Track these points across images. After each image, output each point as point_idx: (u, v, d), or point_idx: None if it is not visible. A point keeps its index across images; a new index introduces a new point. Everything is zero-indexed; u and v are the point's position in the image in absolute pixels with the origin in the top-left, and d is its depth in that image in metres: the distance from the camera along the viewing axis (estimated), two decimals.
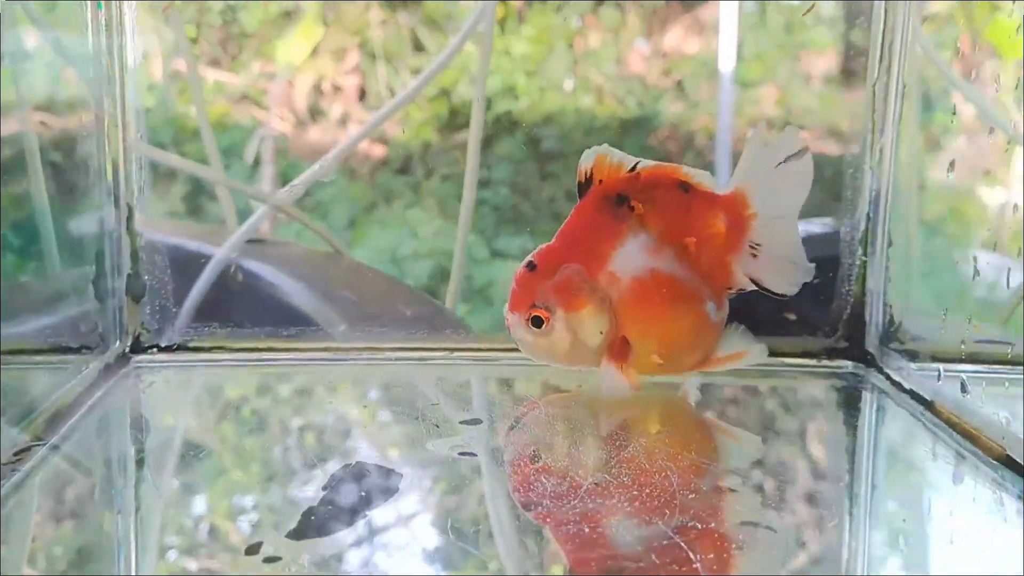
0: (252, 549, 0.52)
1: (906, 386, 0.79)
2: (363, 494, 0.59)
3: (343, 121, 1.24)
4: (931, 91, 0.82)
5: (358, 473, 0.62)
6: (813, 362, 0.87)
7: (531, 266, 0.74)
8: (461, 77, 1.17)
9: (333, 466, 0.63)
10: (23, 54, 0.73)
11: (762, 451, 0.69)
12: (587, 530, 0.54)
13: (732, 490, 0.61)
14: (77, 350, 0.77)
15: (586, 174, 0.73)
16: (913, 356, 0.80)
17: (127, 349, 0.85)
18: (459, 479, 0.62)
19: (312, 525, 0.54)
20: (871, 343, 0.86)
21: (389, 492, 0.59)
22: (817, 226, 0.87)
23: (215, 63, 1.17)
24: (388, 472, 0.62)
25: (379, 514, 0.56)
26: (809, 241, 0.77)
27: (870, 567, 0.54)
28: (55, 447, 0.65)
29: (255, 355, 0.86)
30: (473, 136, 0.92)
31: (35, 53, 0.76)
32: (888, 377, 0.82)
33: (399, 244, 1.17)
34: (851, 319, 0.86)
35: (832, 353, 0.87)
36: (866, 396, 0.81)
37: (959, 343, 0.70)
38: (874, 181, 0.84)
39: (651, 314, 0.74)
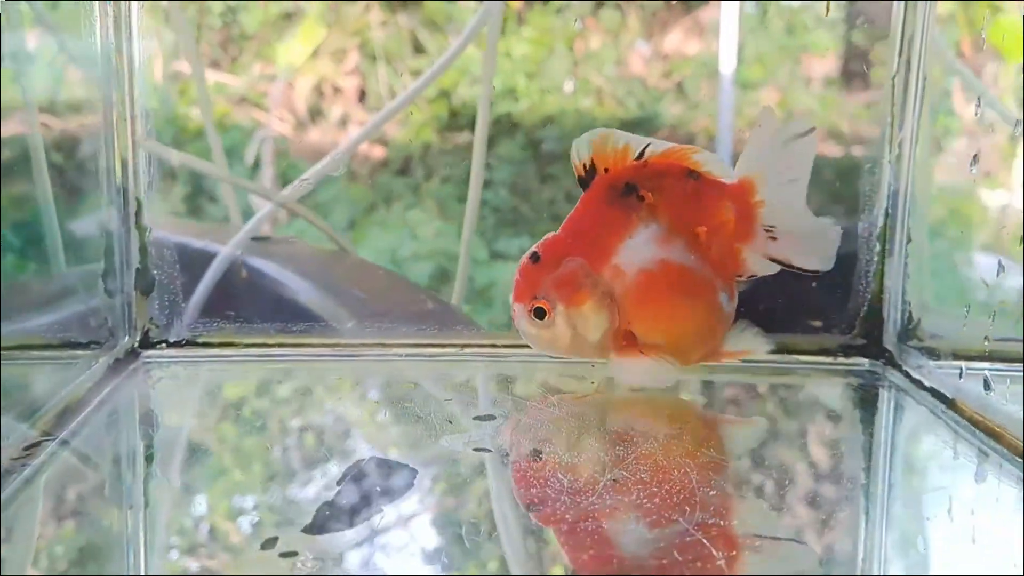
0: (267, 544, 0.52)
1: (926, 384, 0.78)
2: (377, 489, 0.59)
3: (343, 122, 1.25)
4: (950, 85, 0.82)
5: (371, 468, 0.62)
6: (829, 360, 0.86)
7: (535, 257, 0.73)
8: (461, 79, 1.17)
9: (346, 462, 0.63)
10: (29, 53, 0.73)
11: (780, 449, 0.69)
12: (606, 527, 0.54)
13: (751, 489, 0.61)
14: (86, 345, 0.77)
15: (584, 165, 0.72)
16: (933, 354, 0.80)
17: (136, 344, 0.84)
18: (473, 474, 0.62)
19: (327, 520, 0.54)
20: (889, 340, 0.85)
21: (402, 488, 0.59)
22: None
23: (215, 64, 1.17)
24: (401, 467, 0.62)
25: (393, 510, 0.56)
26: None
27: (894, 565, 0.54)
28: (64, 442, 0.65)
29: (264, 351, 0.86)
30: (479, 136, 0.93)
31: (42, 52, 0.76)
32: (907, 375, 0.81)
33: (399, 245, 1.17)
34: (868, 316, 0.86)
35: (849, 351, 0.86)
36: (884, 394, 0.81)
37: (981, 340, 0.70)
38: (892, 177, 0.84)
39: (660, 306, 0.73)
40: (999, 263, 0.70)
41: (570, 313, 0.72)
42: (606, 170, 0.72)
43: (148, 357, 0.84)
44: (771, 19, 1.07)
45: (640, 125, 1.16)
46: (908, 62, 0.83)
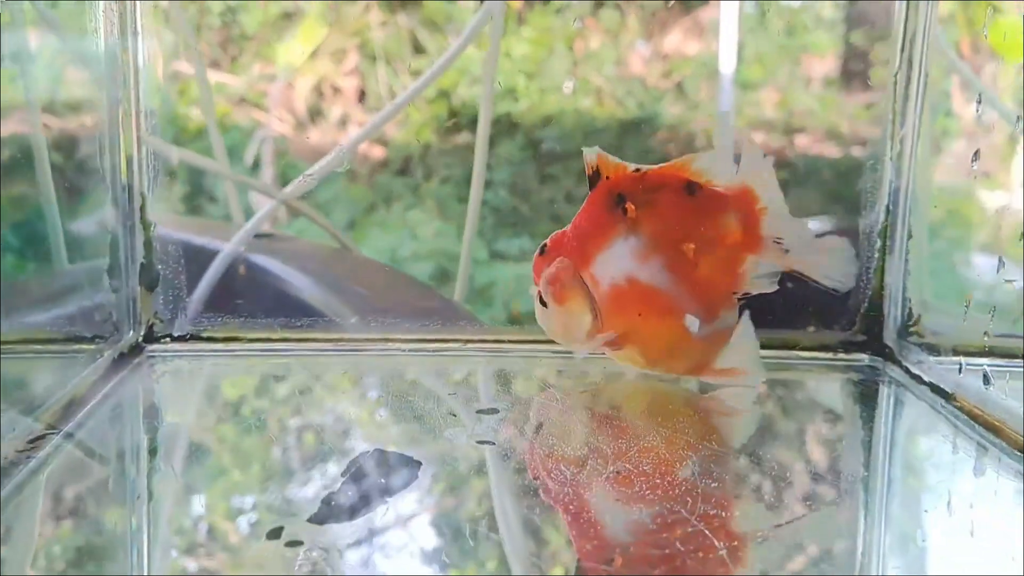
0: (273, 533, 0.52)
1: (926, 379, 0.79)
2: (383, 480, 0.59)
3: (343, 123, 1.25)
4: (951, 82, 0.83)
5: (376, 461, 0.62)
6: (830, 355, 0.87)
7: (543, 249, 0.76)
8: (461, 79, 1.18)
9: (351, 455, 0.63)
10: (32, 52, 0.73)
11: (781, 442, 0.70)
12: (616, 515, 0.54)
13: (754, 481, 0.62)
14: (91, 340, 0.77)
15: (594, 167, 0.74)
16: (933, 350, 0.80)
17: (140, 339, 0.85)
18: (480, 466, 0.63)
19: (332, 511, 0.55)
20: (889, 336, 0.86)
21: (407, 480, 0.59)
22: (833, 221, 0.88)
23: (215, 65, 1.17)
24: (406, 460, 0.62)
25: (398, 502, 0.57)
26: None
27: (896, 559, 0.55)
28: (69, 435, 0.65)
29: (268, 345, 0.86)
30: (480, 135, 0.93)
31: (46, 51, 0.76)
32: (907, 370, 0.82)
33: (399, 245, 1.17)
34: (869, 313, 0.87)
35: (849, 346, 0.87)
36: (884, 389, 0.81)
37: (980, 336, 0.71)
38: (893, 174, 0.85)
39: (625, 320, 0.74)
40: (999, 260, 0.71)
41: (558, 309, 0.74)
42: (607, 177, 0.74)
43: (152, 351, 0.85)
44: (771, 19, 1.08)
45: (640, 125, 1.17)
46: (910, 60, 0.83)
